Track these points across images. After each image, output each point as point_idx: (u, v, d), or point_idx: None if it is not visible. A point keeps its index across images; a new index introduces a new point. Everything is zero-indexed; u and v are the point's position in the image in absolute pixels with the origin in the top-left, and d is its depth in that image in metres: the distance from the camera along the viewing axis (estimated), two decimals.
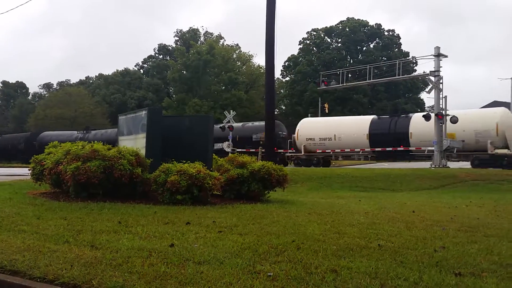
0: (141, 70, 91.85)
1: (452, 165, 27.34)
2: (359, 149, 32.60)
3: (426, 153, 29.15)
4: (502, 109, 30.03)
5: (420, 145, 29.60)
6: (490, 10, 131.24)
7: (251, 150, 32.10)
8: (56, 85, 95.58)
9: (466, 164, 28.25)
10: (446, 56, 27.87)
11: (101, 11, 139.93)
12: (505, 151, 26.63)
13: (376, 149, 31.91)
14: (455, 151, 27.68)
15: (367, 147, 32.21)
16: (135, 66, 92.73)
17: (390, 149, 31.06)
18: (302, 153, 34.28)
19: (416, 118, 30.86)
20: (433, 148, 26.86)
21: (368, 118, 34.04)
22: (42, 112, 69.36)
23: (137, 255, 5.15)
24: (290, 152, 34.77)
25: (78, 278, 4.34)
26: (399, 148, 30.67)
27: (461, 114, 27.76)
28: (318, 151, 33.81)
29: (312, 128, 35.08)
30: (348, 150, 32.93)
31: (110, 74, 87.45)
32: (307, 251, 5.58)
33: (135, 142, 12.16)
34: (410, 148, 30.33)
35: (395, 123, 32.10)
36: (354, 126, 33.33)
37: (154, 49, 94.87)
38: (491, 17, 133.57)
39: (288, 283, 4.32)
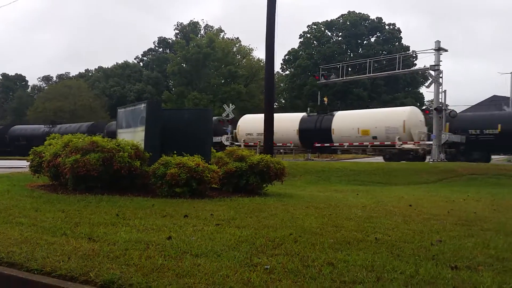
0: (141, 63, 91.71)
1: (369, 159, 28.87)
2: (291, 144, 34.87)
3: (345, 147, 32.35)
4: (410, 108, 33.27)
5: (341, 140, 32.03)
6: (491, 3, 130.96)
7: None
8: (56, 77, 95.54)
9: (380, 159, 31.28)
10: (446, 50, 27.90)
11: (101, 3, 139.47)
12: (410, 145, 29.45)
13: (306, 144, 34.41)
14: (368, 146, 31.05)
15: (298, 141, 34.58)
16: (134, 59, 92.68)
17: (318, 144, 33.22)
18: (242, 147, 35.22)
19: (338, 116, 33.65)
20: (355, 144, 30.68)
21: (299, 116, 36.40)
22: (42, 105, 69.31)
23: (134, 248, 5.16)
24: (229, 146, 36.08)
25: (75, 270, 4.35)
26: (325, 144, 32.82)
27: (375, 112, 31.86)
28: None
29: (251, 123, 36.76)
30: (281, 144, 34.59)
31: (109, 67, 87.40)
32: (304, 244, 5.60)
33: (134, 135, 12.16)
34: (334, 144, 32.62)
35: (321, 120, 34.36)
36: (287, 123, 35.12)
37: (154, 42, 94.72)
38: (492, 11, 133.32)
39: (285, 276, 4.33)
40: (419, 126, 30.29)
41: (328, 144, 32.68)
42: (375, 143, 30.71)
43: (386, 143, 30.09)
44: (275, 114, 38.95)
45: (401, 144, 29.14)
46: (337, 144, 32.23)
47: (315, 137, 33.23)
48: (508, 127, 27.38)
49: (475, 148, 28.04)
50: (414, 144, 29.06)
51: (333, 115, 33.74)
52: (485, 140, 27.93)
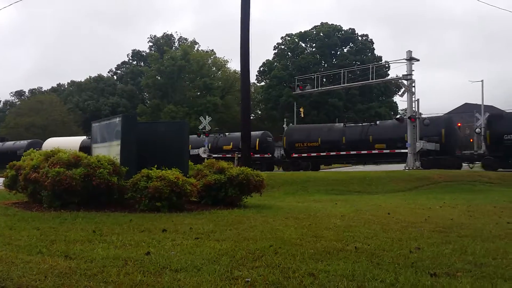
0: (115, 77, 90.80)
1: None
2: None
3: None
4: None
5: None
6: (463, 14, 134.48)
7: None
8: (28, 92, 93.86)
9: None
10: (418, 60, 28.36)
11: (73, 17, 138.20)
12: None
13: None
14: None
15: None
16: (108, 72, 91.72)
17: None
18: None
19: None
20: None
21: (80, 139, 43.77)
22: (13, 120, 68.06)
23: (112, 264, 5.06)
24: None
25: None
26: None
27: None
28: None
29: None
30: None
31: (83, 80, 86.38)
32: (284, 256, 5.59)
33: (109, 150, 12.00)
34: None
35: None
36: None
37: (127, 55, 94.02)
38: (462, 22, 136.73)
39: None
40: None
41: None
42: None
43: None
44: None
45: None
46: None
47: None
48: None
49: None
50: None
51: None
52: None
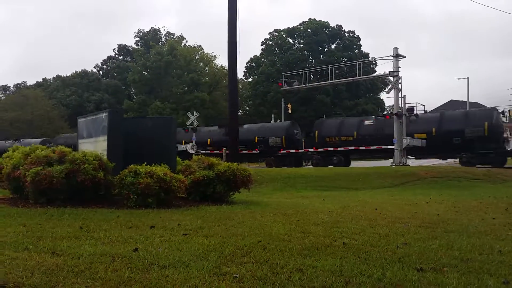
0: (100, 72, 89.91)
1: None
2: None
3: None
4: None
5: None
6: (451, 15, 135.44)
7: None
8: (13, 87, 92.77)
9: None
10: (404, 57, 28.51)
11: (60, 13, 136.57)
12: None
13: None
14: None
15: None
16: (94, 67, 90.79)
17: None
18: None
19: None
20: None
21: None
22: None
23: (99, 261, 5.03)
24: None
25: (39, 286, 4.19)
26: None
27: None
28: None
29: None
30: None
31: (68, 75, 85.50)
32: (273, 251, 5.60)
33: (95, 145, 11.91)
34: None
35: None
36: None
37: (113, 49, 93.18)
38: (450, 22, 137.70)
39: (254, 284, 4.31)
40: None
41: None
42: None
43: None
44: None
45: None
46: None
47: None
48: None
49: None
50: None
51: None
52: None
